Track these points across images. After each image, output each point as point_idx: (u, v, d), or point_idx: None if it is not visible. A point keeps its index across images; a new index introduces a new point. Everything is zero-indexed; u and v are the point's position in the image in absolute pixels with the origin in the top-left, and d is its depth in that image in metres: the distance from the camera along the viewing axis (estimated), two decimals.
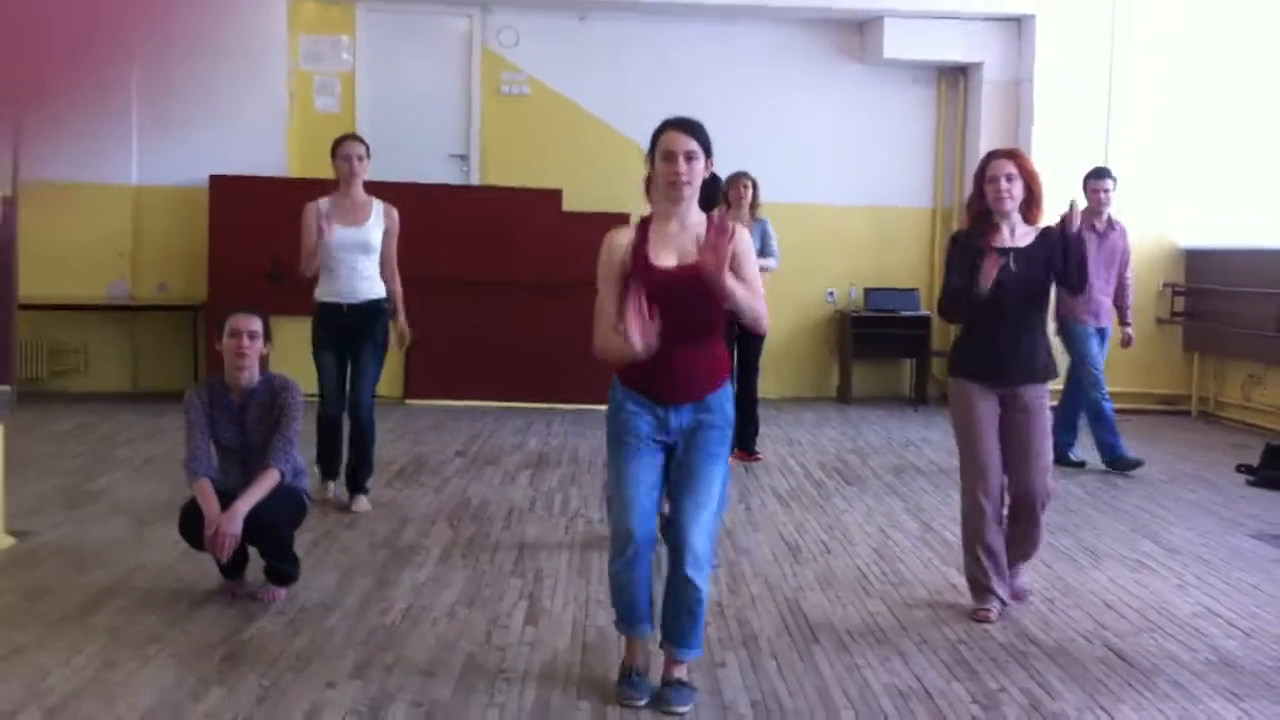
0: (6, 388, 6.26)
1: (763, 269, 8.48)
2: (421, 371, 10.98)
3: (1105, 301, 8.75)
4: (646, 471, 4.26)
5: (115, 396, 10.67)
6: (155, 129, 10.67)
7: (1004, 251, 5.27)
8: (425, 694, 4.30)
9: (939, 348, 11.78)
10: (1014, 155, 5.38)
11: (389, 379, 10.91)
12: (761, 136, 11.74)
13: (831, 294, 12.28)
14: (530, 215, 10.78)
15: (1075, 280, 5.39)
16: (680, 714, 4.19)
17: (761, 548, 6.48)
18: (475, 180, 11.86)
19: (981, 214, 5.42)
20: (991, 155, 5.41)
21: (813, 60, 12.20)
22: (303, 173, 11.05)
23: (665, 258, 4.22)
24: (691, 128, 4.22)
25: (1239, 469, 8.87)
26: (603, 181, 10.94)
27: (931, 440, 9.93)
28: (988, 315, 5.31)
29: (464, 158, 11.92)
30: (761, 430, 8.96)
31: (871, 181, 12.22)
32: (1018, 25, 11.88)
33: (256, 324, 5.35)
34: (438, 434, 9.52)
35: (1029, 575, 5.70)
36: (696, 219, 4.27)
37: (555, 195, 10.90)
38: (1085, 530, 7.05)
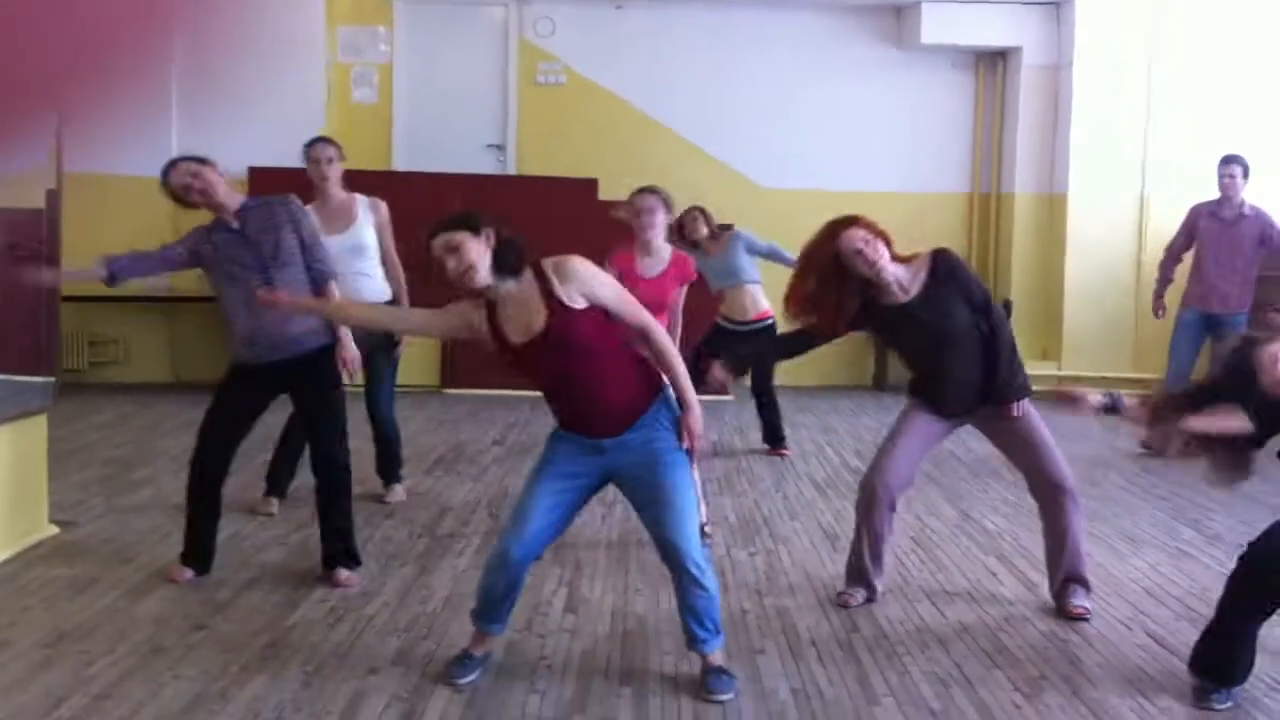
0: (50, 379, 6.31)
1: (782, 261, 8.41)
2: (459, 360, 11.02)
3: (1222, 287, 8.82)
4: (552, 497, 4.27)
5: (155, 387, 10.76)
6: (194, 121, 10.74)
7: (902, 308, 5.05)
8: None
9: None
10: (855, 219, 5.16)
11: (427, 368, 10.98)
12: (799, 122, 11.71)
13: None
14: (567, 204, 10.78)
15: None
16: (722, 700, 4.20)
17: (799, 536, 6.48)
18: (512, 170, 11.89)
19: (863, 285, 5.06)
20: (833, 229, 5.14)
21: (850, 46, 12.14)
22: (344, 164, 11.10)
23: (513, 334, 4.23)
24: (449, 223, 4.34)
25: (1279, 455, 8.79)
26: (639, 170, 10.91)
27: (968, 427, 9.86)
28: (928, 365, 5.18)
29: (501, 148, 11.95)
30: (796, 418, 8.95)
31: (909, 167, 12.16)
32: (1056, 9, 11.79)
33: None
34: (475, 423, 9.56)
35: (1086, 599, 5.33)
36: (521, 286, 4.24)
37: (592, 184, 10.91)
38: (1125, 518, 7.01)
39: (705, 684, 4.27)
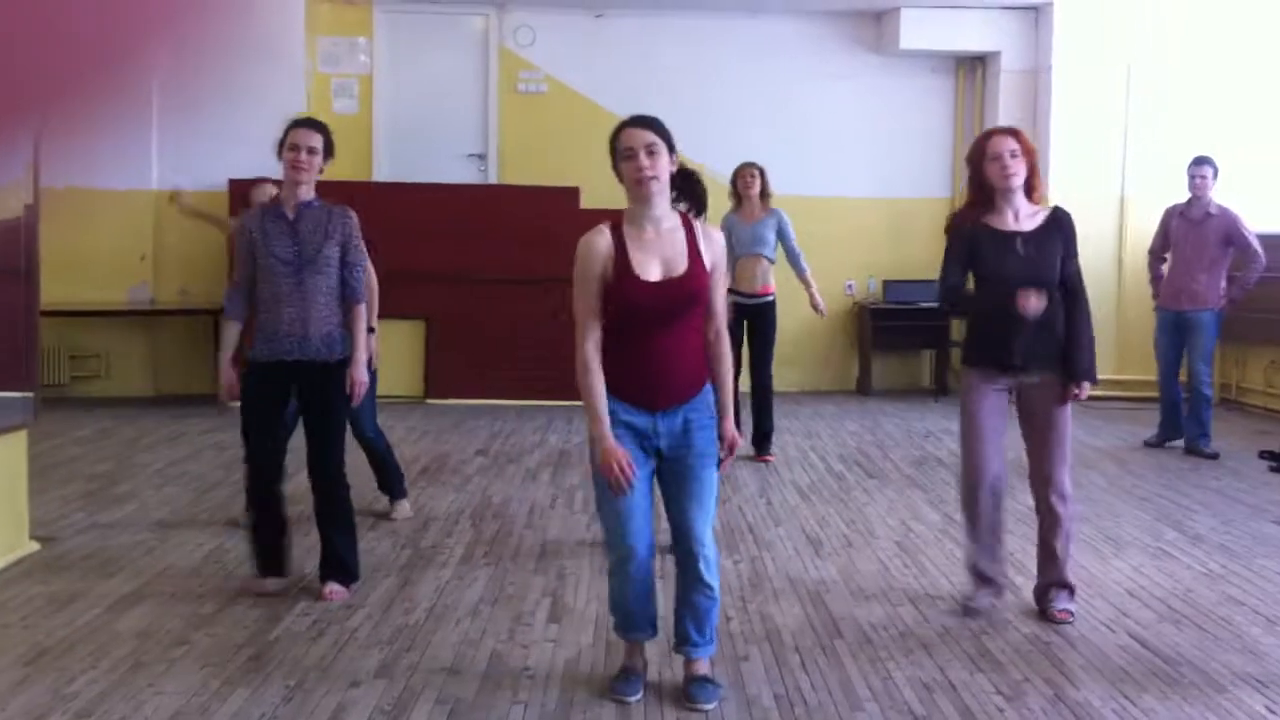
0: (29, 394, 6.28)
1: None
2: (442, 370, 11.02)
3: (1190, 286, 8.97)
4: (639, 491, 4.19)
5: (137, 401, 10.72)
6: (175, 133, 10.72)
7: (1012, 235, 5.12)
8: (450, 692, 4.32)
9: (958, 338, 11.76)
10: (1014, 132, 5.19)
11: (411, 379, 10.97)
12: (779, 129, 11.73)
13: (850, 286, 12.27)
14: (548, 213, 10.79)
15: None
16: (706, 710, 4.19)
17: (783, 542, 6.48)
18: (494, 179, 11.89)
19: (980, 197, 5.21)
20: (991, 133, 5.23)
21: (830, 52, 12.19)
22: (324, 174, 11.10)
23: (648, 269, 4.10)
24: (648, 121, 4.14)
25: (1262, 455, 8.84)
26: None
27: (952, 431, 9.86)
28: (999, 303, 5.08)
29: (482, 157, 11.95)
30: (780, 424, 8.95)
31: (889, 173, 12.21)
32: (1035, 14, 11.84)
33: (316, 139, 5.28)
34: (459, 433, 9.55)
35: (1070, 603, 5.32)
36: (673, 221, 4.18)
37: (573, 193, 10.92)
38: (1107, 519, 7.03)
39: (689, 693, 4.26)
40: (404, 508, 6.84)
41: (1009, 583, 5.46)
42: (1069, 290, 5.19)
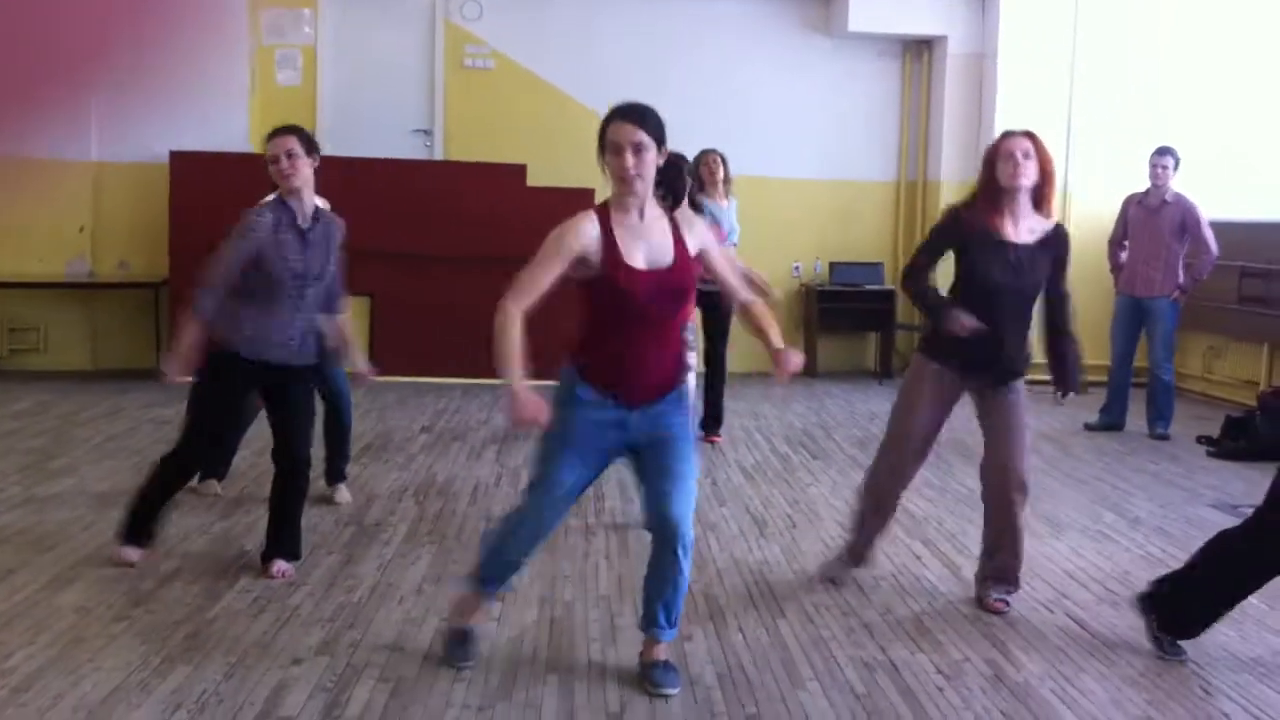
0: None
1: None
2: (387, 348, 10.94)
3: (1146, 272, 9.15)
4: (578, 478, 4.22)
5: (75, 375, 10.57)
6: (116, 105, 10.56)
7: (1004, 246, 5.03)
8: (392, 670, 4.31)
9: (904, 321, 11.84)
10: (1031, 135, 5.12)
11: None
12: (726, 110, 11.71)
13: (797, 268, 12.30)
14: (494, 190, 10.73)
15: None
16: (670, 695, 4.16)
17: (728, 522, 6.50)
18: (439, 155, 11.80)
19: (986, 197, 5.11)
20: (1007, 133, 5.15)
21: (778, 33, 12.17)
22: (265, 148, 10.98)
23: (635, 257, 4.06)
24: (640, 116, 4.02)
25: (1199, 440, 8.97)
26: (567, 157, 10.89)
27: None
28: (978, 313, 5.02)
29: (428, 132, 11.86)
30: (727, 404, 8.95)
31: (836, 155, 12.23)
32: None
33: (292, 142, 5.23)
34: (403, 410, 9.50)
35: (1007, 594, 5.33)
36: (656, 210, 4.15)
37: (520, 170, 10.86)
38: (1046, 501, 7.10)
39: (652, 677, 4.22)
40: (344, 492, 6.73)
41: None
42: (1057, 309, 5.21)
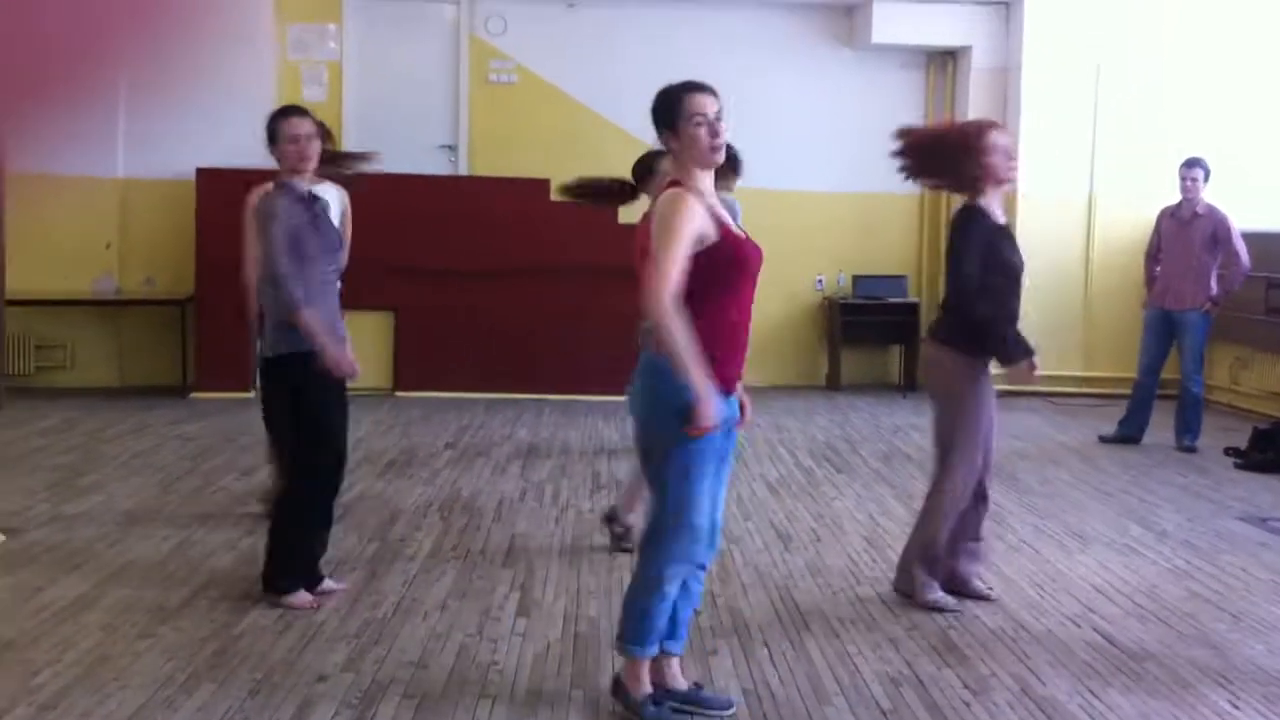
0: None
1: None
2: (411, 363, 10.97)
3: (1177, 285, 9.11)
4: (716, 488, 4.09)
5: (102, 392, 10.63)
6: (141, 121, 10.63)
7: (1009, 230, 5.26)
8: (417, 686, 4.31)
9: (927, 335, 11.79)
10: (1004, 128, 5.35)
11: (380, 371, 10.92)
12: (749, 123, 11.62)
13: (820, 281, 12.28)
14: (519, 205, 10.76)
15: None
16: (724, 717, 4.15)
17: (752, 536, 6.49)
18: (464, 170, 11.84)
19: (983, 190, 5.25)
20: (994, 126, 5.32)
21: (801, 45, 12.17)
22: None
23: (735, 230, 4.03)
24: (712, 89, 4.07)
25: (1226, 452, 8.90)
26: (591, 170, 10.85)
27: (920, 426, 9.92)
28: (1011, 301, 5.28)
29: (452, 148, 11.90)
30: (751, 418, 8.91)
31: (859, 167, 12.16)
32: (1006, 10, 11.87)
33: (310, 125, 5.18)
34: (427, 426, 9.52)
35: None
36: (710, 187, 4.05)
37: (544, 185, 10.87)
38: (1072, 514, 7.07)
39: (703, 700, 4.17)
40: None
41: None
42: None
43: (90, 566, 5.62)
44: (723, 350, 3.92)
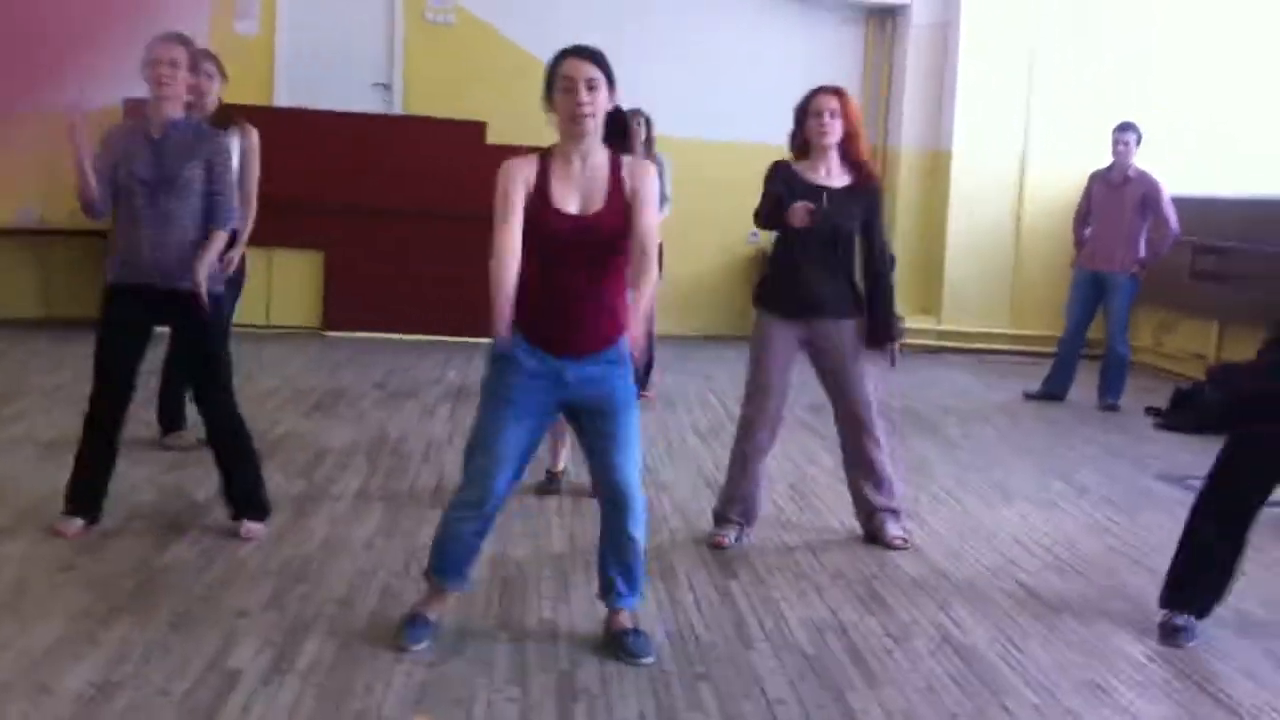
0: None
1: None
2: (340, 303, 10.88)
3: (1107, 248, 9.22)
4: (523, 434, 4.10)
5: (26, 322, 10.43)
6: (67, 50, 10.38)
7: (818, 189, 5.31)
8: (341, 624, 4.29)
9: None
10: (838, 92, 5.44)
11: (307, 311, 10.81)
12: (687, 73, 11.66)
13: (754, 234, 12.27)
14: (453, 147, 10.66)
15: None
16: (647, 663, 4.11)
17: (680, 484, 6.52)
18: (399, 110, 11.69)
19: (801, 148, 5.50)
20: (816, 91, 5.48)
21: None
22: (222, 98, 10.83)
23: (567, 201, 4.00)
24: (592, 54, 4.00)
25: (1147, 412, 9.06)
26: (527, 115, 10.68)
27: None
28: (793, 255, 5.40)
29: (387, 86, 11.74)
30: (679, 367, 8.99)
31: None
32: None
33: (178, 51, 5.01)
34: (356, 366, 9.44)
35: (900, 527, 5.63)
36: (600, 157, 4.05)
37: (479, 127, 10.78)
38: (997, 469, 7.17)
39: (624, 645, 4.15)
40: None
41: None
42: (876, 254, 5.45)
43: (10, 497, 5.53)
44: (526, 311, 4.00)
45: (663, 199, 8.33)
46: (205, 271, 5.05)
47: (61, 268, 10.81)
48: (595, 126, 4.00)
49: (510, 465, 4.11)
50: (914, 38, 11.99)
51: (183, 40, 5.10)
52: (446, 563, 4.23)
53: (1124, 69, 11.57)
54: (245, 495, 5.28)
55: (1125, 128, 9.19)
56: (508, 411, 4.08)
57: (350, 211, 10.60)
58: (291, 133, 10.23)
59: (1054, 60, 11.65)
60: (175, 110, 5.11)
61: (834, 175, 5.39)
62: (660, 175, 8.38)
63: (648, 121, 8.42)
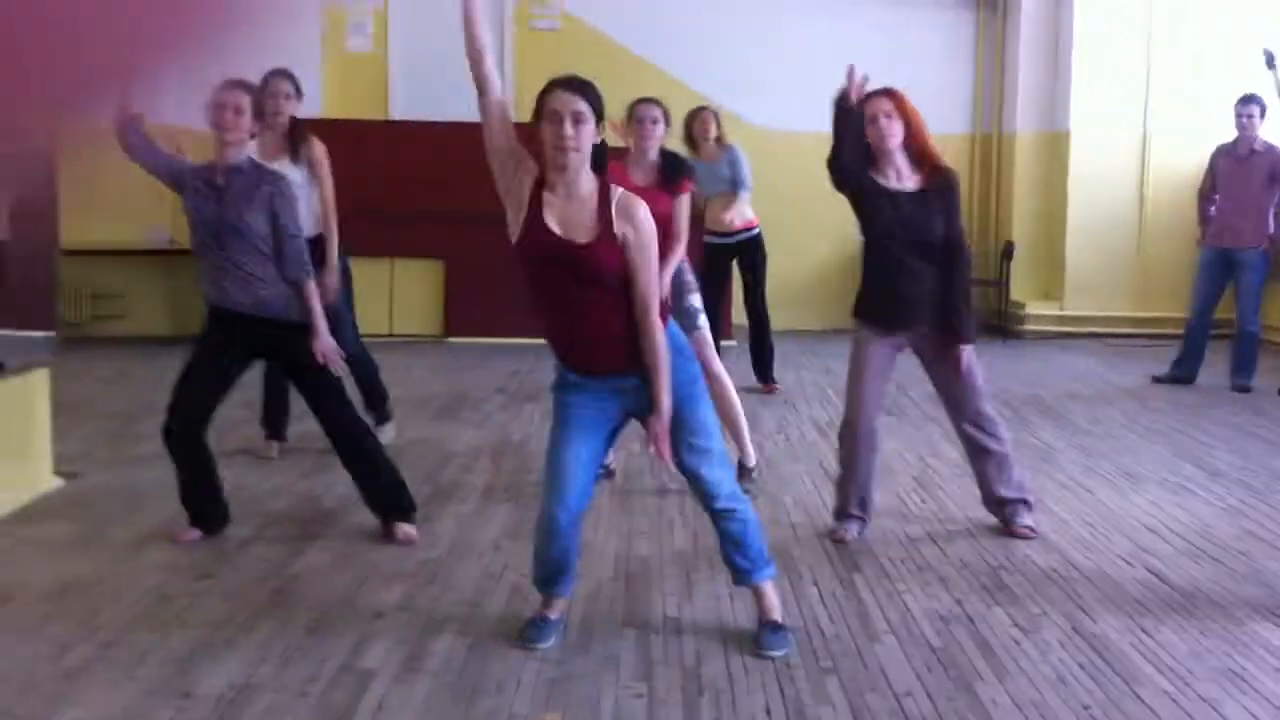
0: (50, 333, 6.31)
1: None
2: (461, 310, 11.03)
3: (1235, 224, 9.00)
4: (583, 451, 4.11)
5: (157, 340, 10.73)
6: (183, 74, 10.66)
7: (893, 194, 5.22)
8: (471, 624, 4.37)
9: (980, 276, 11.71)
10: (890, 93, 5.33)
11: (429, 319, 10.98)
12: (795, 63, 11.61)
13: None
14: None
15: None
16: (773, 657, 4.12)
17: (802, 478, 6.51)
18: (512, 118, 11.79)
19: (869, 155, 5.33)
20: (868, 96, 5.34)
21: None
22: (338, 113, 11.06)
23: (552, 221, 3.96)
24: (580, 87, 3.95)
25: None
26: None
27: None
28: (882, 265, 5.30)
29: None
30: (800, 361, 8.97)
31: None
32: None
33: (243, 99, 5.12)
34: (478, 371, 9.58)
35: (1029, 517, 5.54)
36: (587, 190, 3.97)
37: None
38: (1125, 455, 7.03)
39: (758, 640, 4.19)
40: (388, 432, 6.85)
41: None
42: (950, 252, 5.31)
43: (148, 511, 5.71)
44: (559, 345, 4.13)
45: (741, 185, 8.45)
46: (323, 322, 5.23)
47: (190, 286, 11.05)
48: (580, 161, 3.94)
49: (575, 479, 4.13)
50: (1026, 17, 11.80)
51: (248, 88, 5.23)
52: (545, 572, 4.30)
53: (1244, 40, 11.25)
54: (391, 499, 5.37)
55: (1248, 100, 8.97)
56: (567, 429, 4.13)
57: (469, 219, 10.72)
58: (408, 145, 10.41)
59: (1172, 34, 11.39)
60: (238, 155, 5.22)
61: (905, 178, 5.28)
62: (735, 164, 8.47)
63: (716, 116, 8.60)
